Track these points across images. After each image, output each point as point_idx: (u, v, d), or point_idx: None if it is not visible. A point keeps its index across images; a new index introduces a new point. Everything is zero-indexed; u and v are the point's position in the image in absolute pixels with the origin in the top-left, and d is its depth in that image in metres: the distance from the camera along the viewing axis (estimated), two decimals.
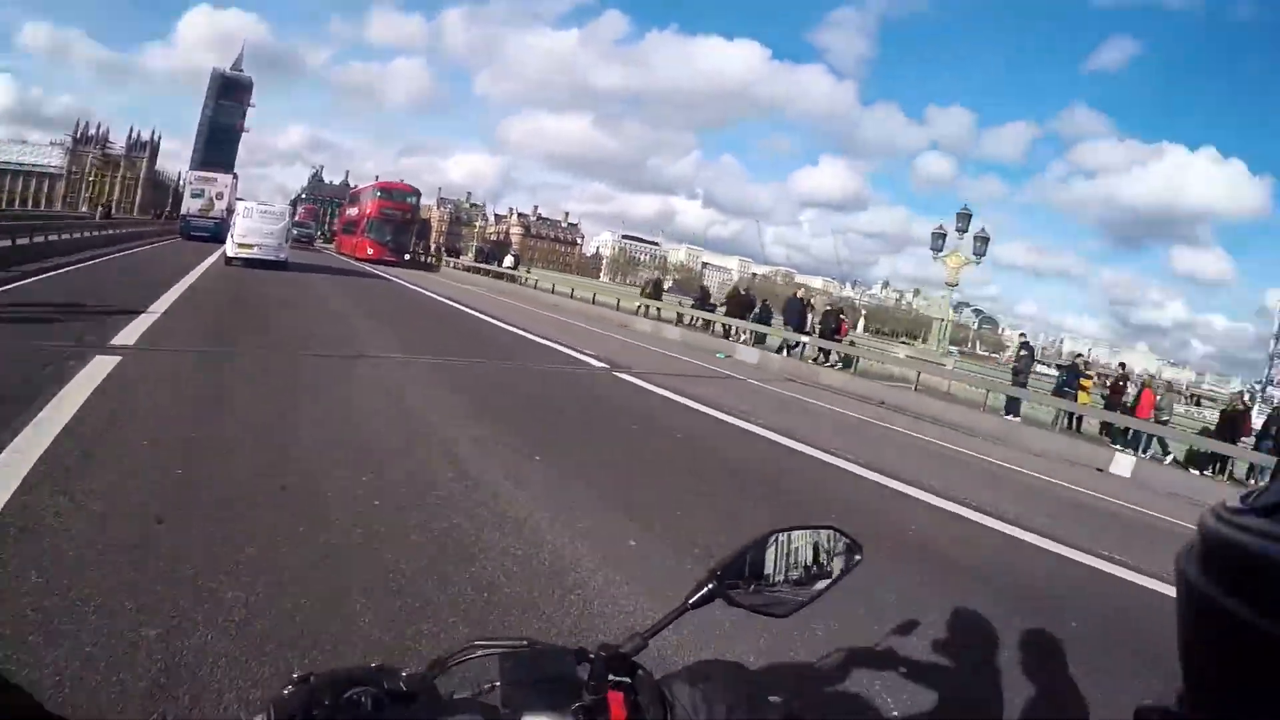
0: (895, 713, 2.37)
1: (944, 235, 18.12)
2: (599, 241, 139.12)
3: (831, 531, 0.82)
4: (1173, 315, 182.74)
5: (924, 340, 26.78)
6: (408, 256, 40.17)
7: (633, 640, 0.71)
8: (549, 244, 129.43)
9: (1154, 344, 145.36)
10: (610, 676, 0.68)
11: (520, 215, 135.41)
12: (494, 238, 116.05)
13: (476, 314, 16.46)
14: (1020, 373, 16.18)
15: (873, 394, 13.46)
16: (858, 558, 0.85)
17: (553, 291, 27.33)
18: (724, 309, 20.81)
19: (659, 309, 22.66)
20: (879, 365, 17.85)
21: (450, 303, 18.90)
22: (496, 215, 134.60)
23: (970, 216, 18.00)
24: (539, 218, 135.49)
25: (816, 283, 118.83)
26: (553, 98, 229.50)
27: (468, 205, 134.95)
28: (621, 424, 7.02)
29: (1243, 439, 13.16)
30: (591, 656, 0.69)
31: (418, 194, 45.21)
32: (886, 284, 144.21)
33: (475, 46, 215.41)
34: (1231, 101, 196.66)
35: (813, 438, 7.59)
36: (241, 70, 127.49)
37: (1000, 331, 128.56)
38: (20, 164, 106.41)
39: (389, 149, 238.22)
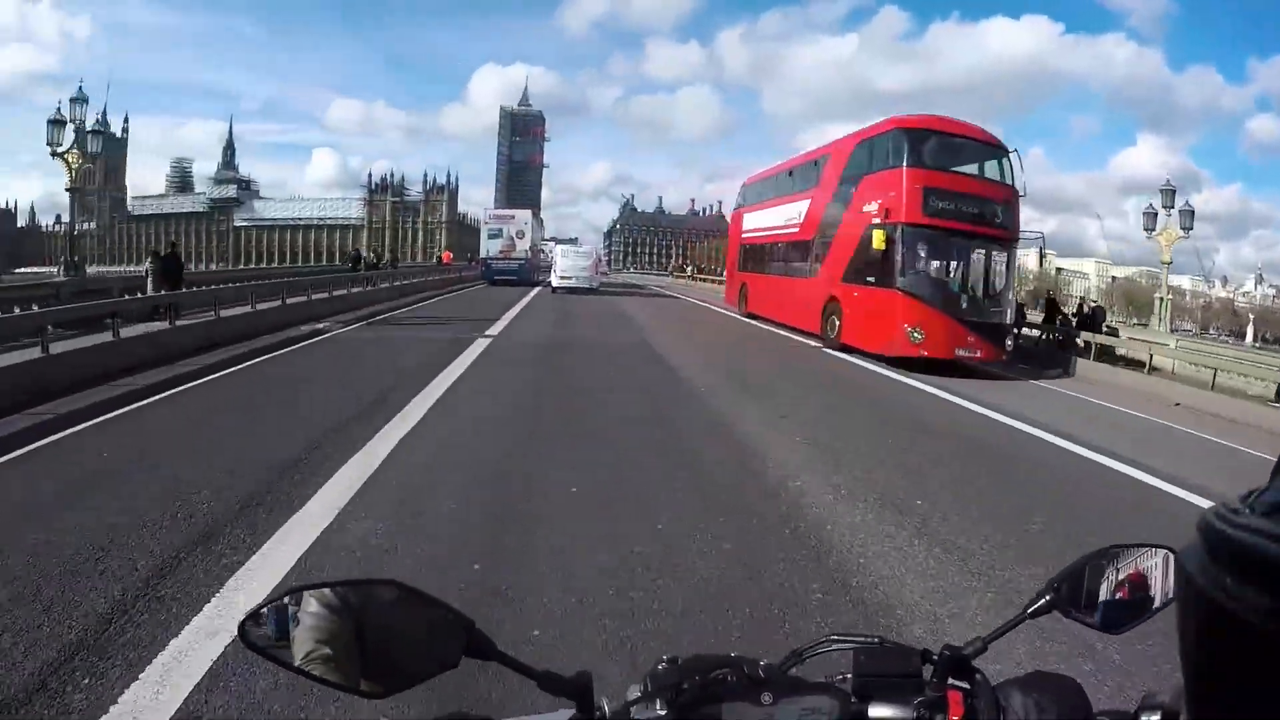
0: None
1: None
2: None
3: (1168, 552, 0.78)
4: None
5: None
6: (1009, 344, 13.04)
7: (973, 644, 0.75)
8: None
9: None
10: (950, 678, 0.72)
11: None
12: None
13: None
14: None
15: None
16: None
17: None
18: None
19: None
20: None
21: None
22: None
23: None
24: None
25: (1184, 282, 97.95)
26: (842, 107, 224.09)
27: None
28: None
29: None
30: (935, 657, 0.74)
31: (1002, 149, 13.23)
32: (1261, 277, 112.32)
33: (756, 65, 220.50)
34: None
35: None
36: (529, 105, 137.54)
37: None
38: (323, 218, 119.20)
39: (689, 176, 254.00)
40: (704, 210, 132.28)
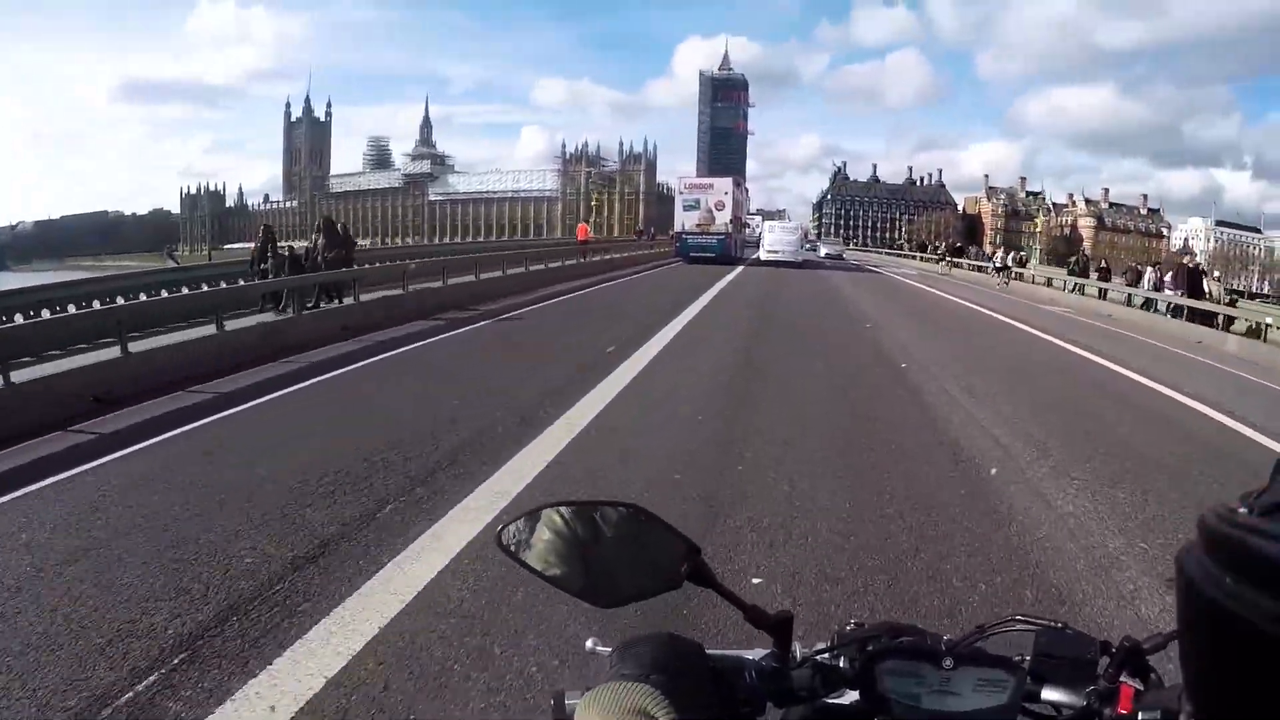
0: None
1: None
2: (1186, 230, 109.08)
3: None
4: None
5: None
6: None
7: (1154, 639, 0.71)
8: (1129, 237, 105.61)
9: None
10: (1125, 672, 0.70)
11: (1089, 202, 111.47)
12: (1056, 233, 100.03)
13: None
14: None
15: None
16: None
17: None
18: None
19: None
20: None
21: None
22: (1055, 204, 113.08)
23: None
24: (1111, 204, 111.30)
25: None
26: (1065, 68, 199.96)
27: (1024, 195, 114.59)
28: None
29: None
30: (1114, 649, 0.71)
31: None
32: None
33: (969, 25, 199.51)
34: None
35: None
36: (730, 69, 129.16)
37: None
38: (517, 191, 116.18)
39: (901, 147, 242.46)
40: (922, 180, 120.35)
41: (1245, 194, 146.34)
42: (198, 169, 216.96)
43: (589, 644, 0.73)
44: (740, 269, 26.67)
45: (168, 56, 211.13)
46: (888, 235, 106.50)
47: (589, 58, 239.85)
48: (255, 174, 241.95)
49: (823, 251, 48.09)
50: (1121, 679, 0.69)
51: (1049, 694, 0.71)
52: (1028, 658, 0.73)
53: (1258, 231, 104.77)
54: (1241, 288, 52.20)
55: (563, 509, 0.71)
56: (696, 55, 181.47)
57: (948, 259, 34.36)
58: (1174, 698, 0.63)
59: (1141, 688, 0.69)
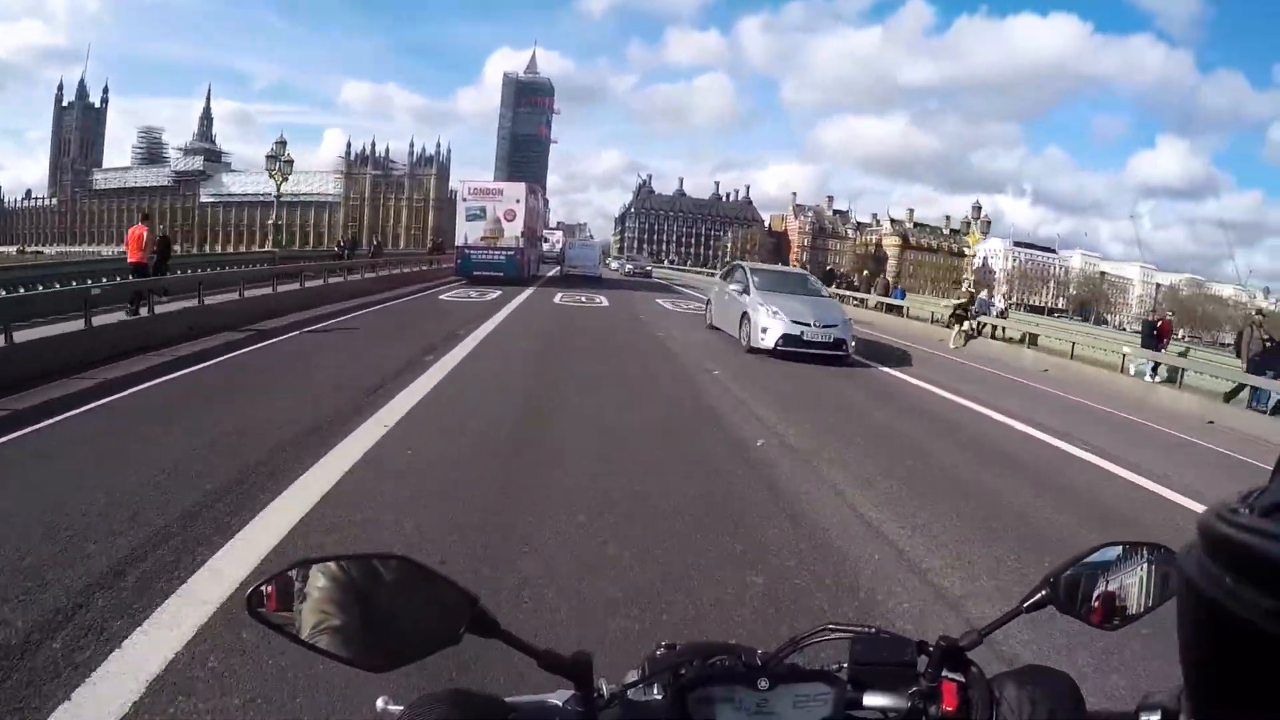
0: None
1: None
2: (986, 250, 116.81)
3: (1165, 550, 0.78)
4: None
5: None
6: None
7: (969, 635, 0.74)
8: (933, 256, 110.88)
9: None
10: (945, 669, 0.71)
11: (894, 221, 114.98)
12: (862, 251, 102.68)
13: None
14: None
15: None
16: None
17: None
18: None
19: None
20: None
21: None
22: (859, 223, 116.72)
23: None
24: (915, 224, 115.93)
25: (1226, 291, 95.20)
26: (863, 100, 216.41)
27: (830, 213, 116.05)
28: None
29: None
30: (930, 648, 0.73)
31: None
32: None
33: (777, 55, 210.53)
34: None
35: None
36: (536, 73, 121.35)
37: None
38: (296, 194, 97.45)
39: (703, 165, 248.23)
40: (728, 196, 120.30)
41: (1025, 217, 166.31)
42: None
43: (379, 703, 0.70)
44: (531, 291, 21.26)
45: None
46: (691, 250, 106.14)
47: (400, 64, 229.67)
48: (34, 166, 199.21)
49: (627, 268, 43.49)
50: (943, 675, 0.71)
51: (871, 700, 0.72)
52: (845, 666, 0.73)
53: (1053, 251, 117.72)
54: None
55: (324, 564, 0.64)
56: (508, 65, 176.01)
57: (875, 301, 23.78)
58: (1174, 697, 0.63)
59: (964, 680, 0.71)
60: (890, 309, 22.86)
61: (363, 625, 0.63)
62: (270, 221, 27.94)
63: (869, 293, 25.38)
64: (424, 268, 25.72)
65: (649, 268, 45.19)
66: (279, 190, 24.51)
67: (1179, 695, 0.49)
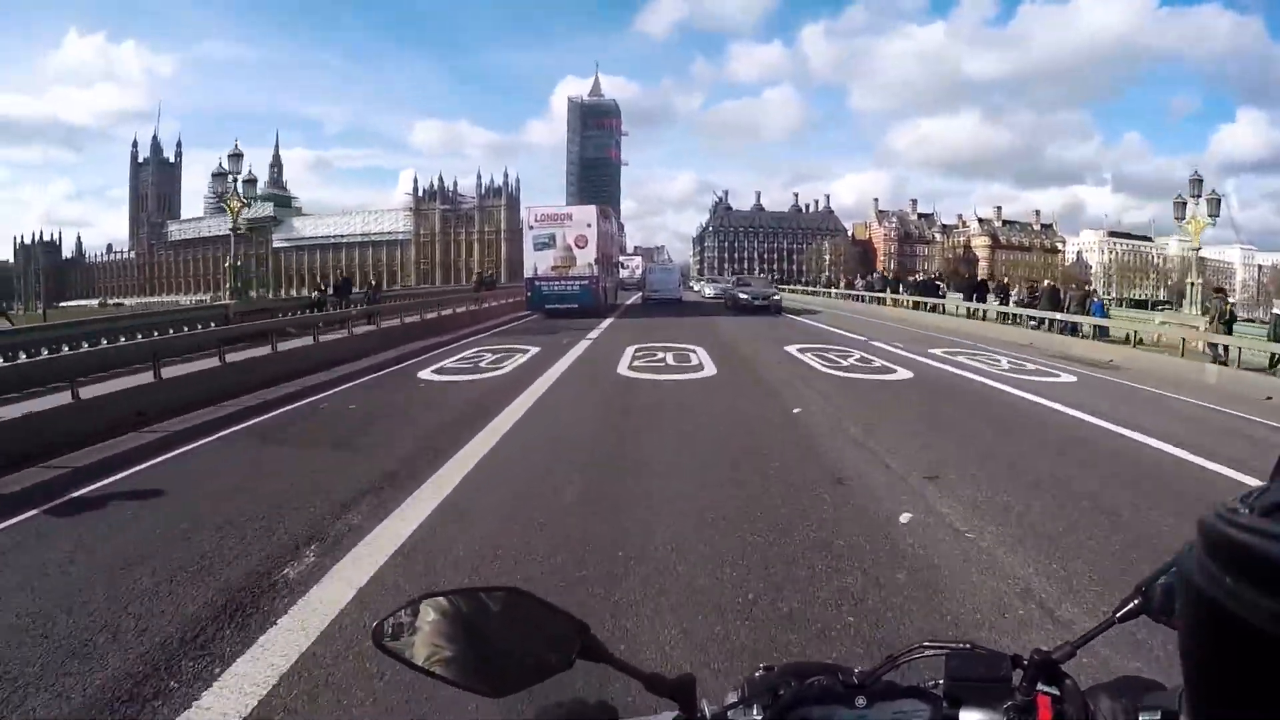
0: None
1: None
2: (1079, 244, 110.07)
3: None
4: None
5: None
6: None
7: (1062, 648, 0.74)
8: (1024, 254, 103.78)
9: None
10: (1040, 683, 0.71)
11: (982, 221, 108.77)
12: (951, 255, 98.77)
13: None
14: None
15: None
16: None
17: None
18: None
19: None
20: None
21: None
22: (944, 226, 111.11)
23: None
24: (1005, 223, 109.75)
25: None
26: (930, 99, 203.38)
27: (915, 217, 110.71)
28: None
29: None
30: (1025, 662, 0.72)
31: None
32: None
33: (841, 60, 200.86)
34: None
35: None
36: (601, 95, 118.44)
37: None
38: (366, 234, 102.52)
39: (775, 180, 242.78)
40: (807, 207, 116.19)
41: (1108, 205, 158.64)
42: (59, 216, 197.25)
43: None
44: (610, 322, 19.29)
45: (29, 95, 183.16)
46: (774, 266, 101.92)
47: (469, 100, 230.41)
48: (117, 221, 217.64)
49: (708, 292, 40.10)
50: (1037, 689, 0.70)
51: (967, 715, 0.71)
52: (941, 682, 0.73)
53: (1149, 240, 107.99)
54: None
55: (441, 598, 0.69)
56: (572, 92, 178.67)
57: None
58: (1174, 698, 0.62)
59: (1058, 694, 0.70)
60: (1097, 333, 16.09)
61: (479, 654, 0.67)
62: (226, 264, 20.39)
63: (1059, 309, 17.79)
64: (459, 310, 20.04)
65: (775, 294, 28.76)
66: (235, 221, 19.52)
67: (1179, 696, 0.48)
